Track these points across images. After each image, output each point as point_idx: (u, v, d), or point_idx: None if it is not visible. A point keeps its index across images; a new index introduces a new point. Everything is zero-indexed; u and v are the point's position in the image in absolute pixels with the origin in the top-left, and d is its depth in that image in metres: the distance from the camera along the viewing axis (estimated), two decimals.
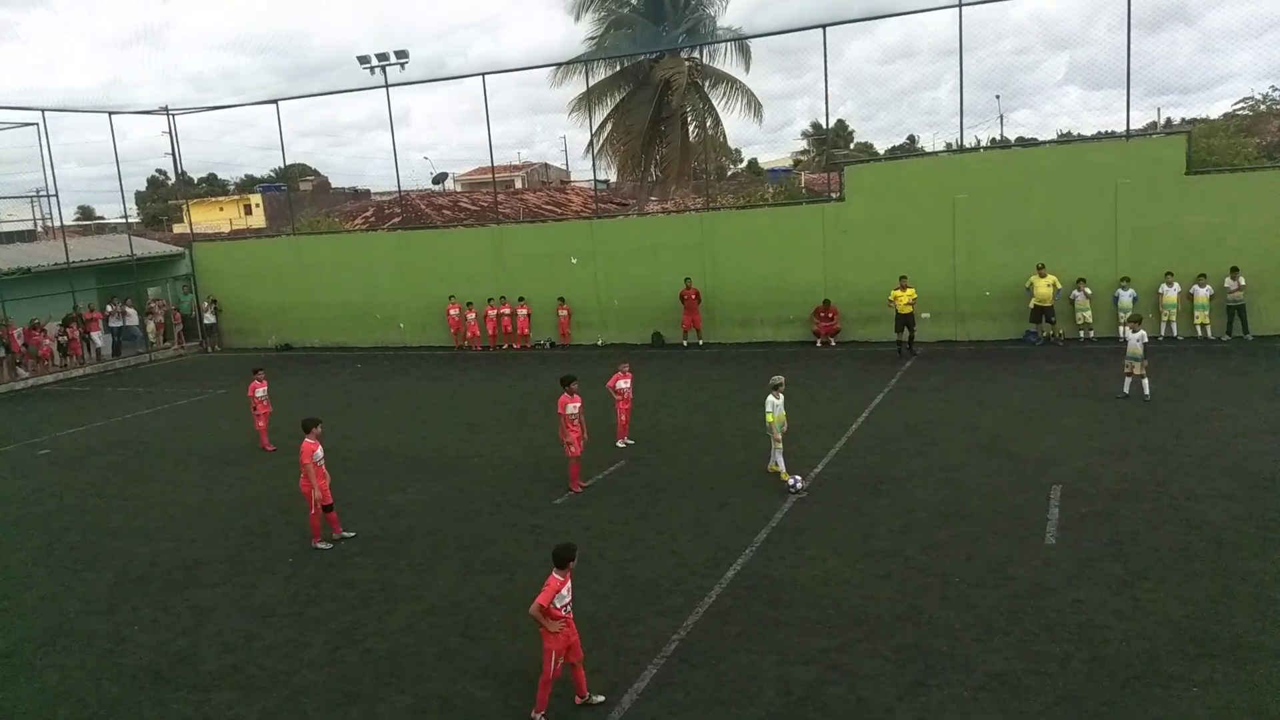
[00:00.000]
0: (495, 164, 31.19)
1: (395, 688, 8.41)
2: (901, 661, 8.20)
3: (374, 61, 30.89)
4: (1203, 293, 21.48)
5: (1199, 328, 21.67)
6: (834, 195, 25.93)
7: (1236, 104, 37.41)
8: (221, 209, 62.86)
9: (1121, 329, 21.96)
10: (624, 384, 15.80)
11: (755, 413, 16.59)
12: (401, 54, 30.80)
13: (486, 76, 28.62)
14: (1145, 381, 16.37)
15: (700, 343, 26.41)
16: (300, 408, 19.63)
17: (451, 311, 29.15)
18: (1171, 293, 21.83)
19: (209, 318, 33.00)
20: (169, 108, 33.23)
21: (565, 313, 28.11)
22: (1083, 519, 11.19)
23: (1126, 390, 16.60)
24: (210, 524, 13.57)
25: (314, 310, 31.78)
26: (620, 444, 15.87)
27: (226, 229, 52.96)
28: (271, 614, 10.22)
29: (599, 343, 28.08)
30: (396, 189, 33.97)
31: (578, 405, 13.51)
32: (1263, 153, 31.19)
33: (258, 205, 60.30)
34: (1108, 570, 9.71)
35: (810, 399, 18.41)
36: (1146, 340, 16.54)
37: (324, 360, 29.31)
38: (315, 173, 66.03)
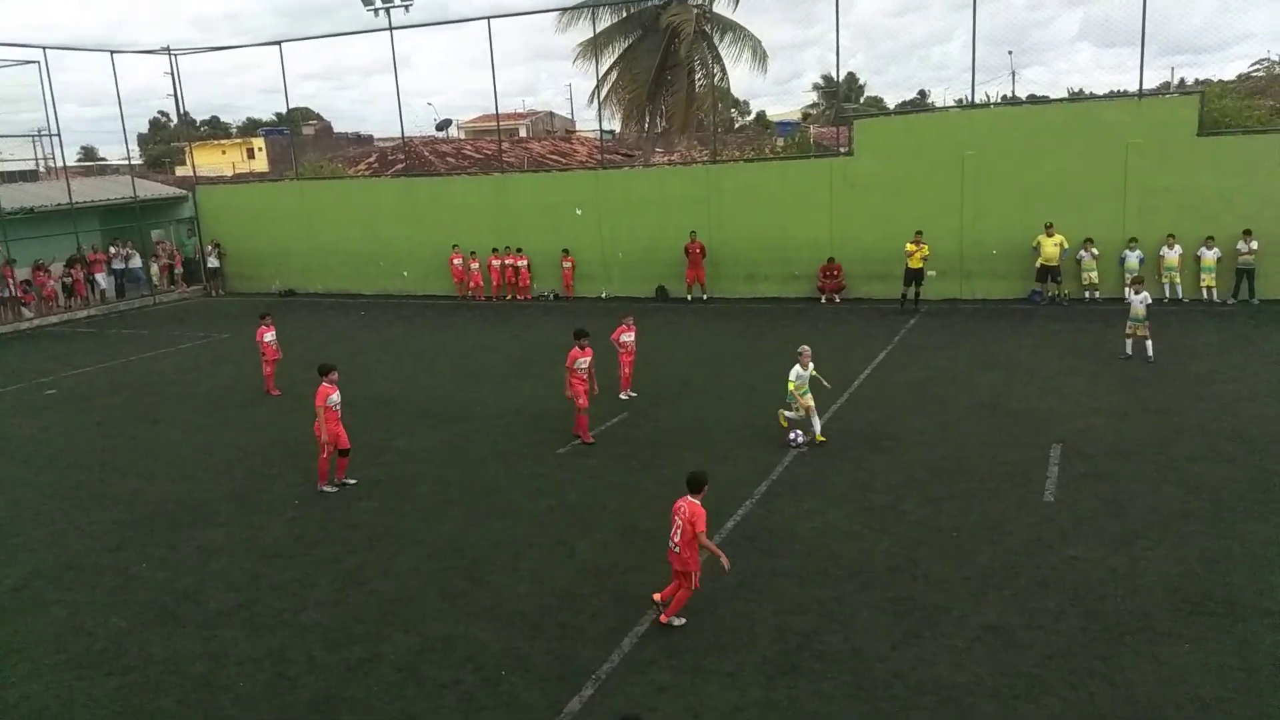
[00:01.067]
0: (500, 112, 30.88)
1: (399, 627, 8.57)
2: (897, 613, 8.34)
3: (378, 3, 30.38)
4: (1210, 255, 21.37)
5: (1205, 290, 21.61)
6: (842, 150, 25.69)
7: (1252, 65, 36.86)
8: (224, 152, 62.31)
9: (1127, 290, 21.94)
10: (627, 337, 15.83)
11: (758, 368, 16.68)
12: None
13: (492, 20, 28.20)
14: (1148, 343, 16.39)
15: (704, 297, 26.36)
16: (304, 353, 19.71)
17: (455, 261, 29.06)
18: (1173, 255, 21.73)
19: (213, 262, 32.92)
20: (171, 48, 32.79)
21: (569, 264, 28.02)
22: (1082, 478, 11.28)
23: (1129, 351, 16.63)
24: (216, 465, 13.70)
25: (317, 256, 31.70)
26: (623, 396, 15.94)
27: (229, 172, 52.57)
28: (278, 554, 10.37)
29: (603, 295, 28.04)
30: (400, 135, 33.67)
31: (588, 359, 13.53)
32: (1276, 114, 30.82)
33: (260, 149, 59.78)
34: (1105, 529, 9.82)
35: (816, 355, 18.38)
36: (1150, 302, 16.52)
37: (327, 306, 29.31)
38: (318, 117, 65.34)
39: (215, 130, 70.18)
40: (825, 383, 13.42)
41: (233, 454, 14.23)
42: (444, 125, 52.49)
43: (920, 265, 22.45)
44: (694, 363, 18.67)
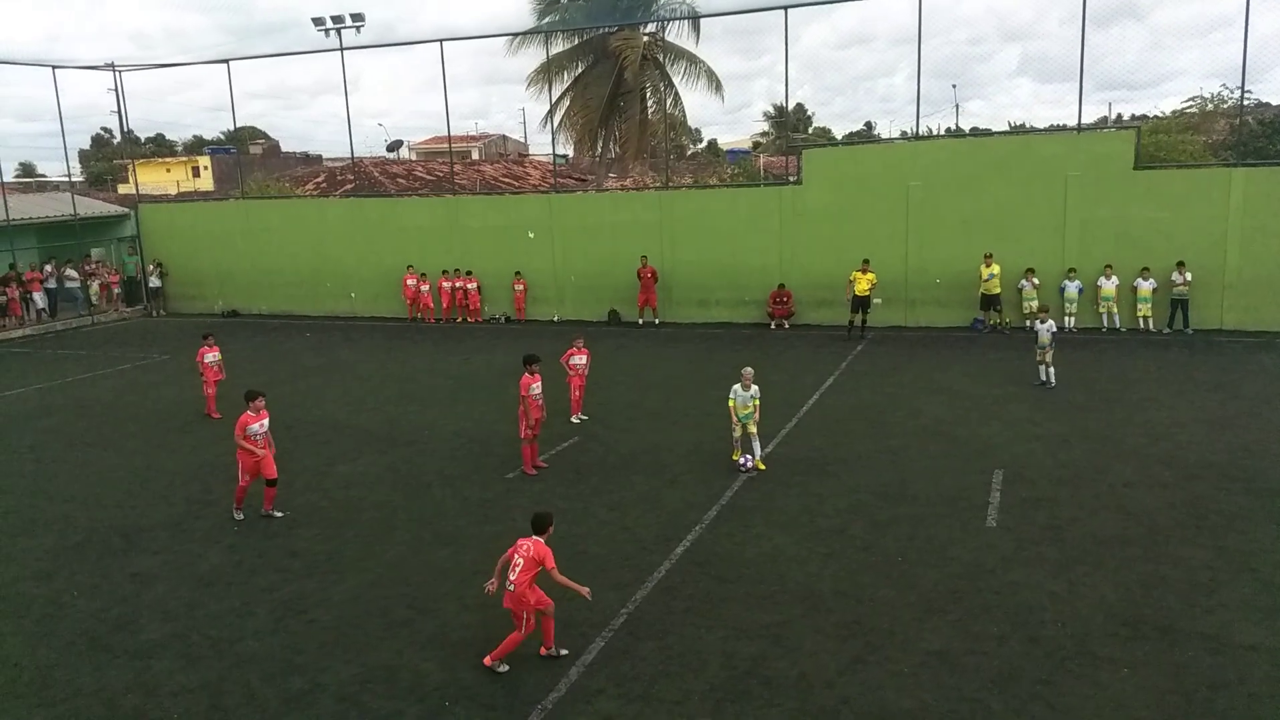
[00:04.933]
0: (452, 134, 30.81)
1: (340, 657, 8.37)
2: (843, 637, 8.37)
3: (329, 23, 30.20)
4: (1146, 286, 22.04)
5: (1141, 320, 22.26)
6: (792, 179, 26.08)
7: (1186, 102, 38.24)
8: (169, 170, 61.21)
9: (1067, 318, 22.52)
10: (579, 360, 15.81)
11: (709, 392, 16.73)
12: (357, 16, 30.15)
13: (444, 43, 28.17)
14: (1051, 370, 16.97)
15: (656, 322, 26.45)
16: (247, 376, 19.32)
17: (409, 281, 28.80)
18: (1109, 285, 22.37)
19: (154, 281, 32.19)
20: (115, 64, 32.19)
21: (521, 287, 27.94)
22: (1023, 503, 11.49)
23: (1043, 377, 17.13)
24: (153, 491, 13.31)
25: (262, 276, 31.19)
26: (574, 420, 15.88)
27: (174, 191, 51.59)
28: (215, 582, 10.09)
29: (555, 319, 27.98)
30: (350, 155, 33.38)
31: (540, 386, 13.28)
32: (1209, 150, 32.01)
33: (206, 168, 58.84)
34: (1045, 554, 9.99)
35: (764, 381, 18.46)
36: (1055, 331, 17.15)
37: (272, 328, 28.79)
38: (266, 136, 64.47)
39: (160, 148, 68.87)
40: (755, 411, 13.13)
41: (170, 479, 13.85)
42: (395, 146, 52.17)
43: (868, 292, 22.82)
44: (645, 387, 18.68)
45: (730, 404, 13.16)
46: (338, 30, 30.11)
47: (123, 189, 47.96)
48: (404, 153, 55.68)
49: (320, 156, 59.81)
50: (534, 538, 8.02)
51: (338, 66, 29.51)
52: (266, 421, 11.83)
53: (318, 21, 30.35)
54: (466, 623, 8.93)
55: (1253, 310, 21.76)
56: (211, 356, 17.30)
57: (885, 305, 24.24)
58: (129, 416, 17.82)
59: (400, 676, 8.02)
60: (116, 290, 32.50)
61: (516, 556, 7.90)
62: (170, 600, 9.68)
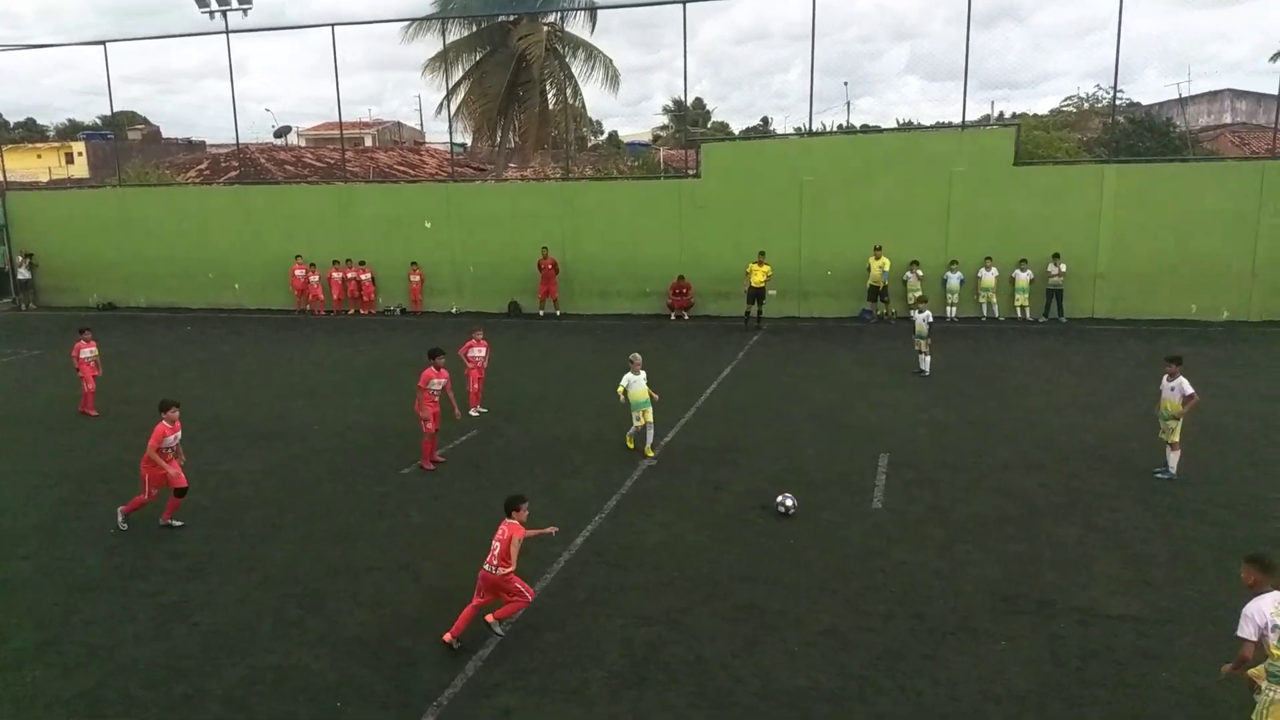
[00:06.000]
0: (344, 120, 29.96)
1: (227, 661, 8.08)
2: (739, 620, 8.55)
3: (213, 5, 28.88)
4: (1024, 277, 23.15)
5: (1019, 309, 23.36)
6: (691, 172, 26.35)
7: (1064, 100, 40.28)
8: (40, 156, 57.53)
9: (949, 309, 23.47)
10: (477, 352, 15.65)
11: (609, 383, 16.68)
12: None
13: (336, 28, 27.37)
14: (928, 359, 17.64)
15: (557, 313, 26.36)
16: (125, 371, 18.45)
17: (297, 272, 27.92)
18: (989, 277, 23.43)
19: (23, 273, 30.32)
20: None
21: (418, 278, 27.43)
22: (908, 486, 11.94)
23: (921, 366, 17.77)
24: (23, 493, 12.55)
25: (141, 267, 29.76)
26: (473, 412, 15.71)
27: (45, 178, 48.58)
28: (92, 588, 9.59)
29: (453, 310, 27.58)
30: (235, 141, 32.08)
31: (443, 381, 13.03)
32: (1084, 148, 33.80)
33: (80, 154, 55.55)
34: (929, 534, 10.41)
35: (664, 371, 18.70)
36: (931, 320, 17.78)
37: (151, 321, 27.52)
38: (145, 121, 61.28)
39: (30, 133, 64.74)
40: (653, 394, 13.50)
41: (42, 480, 13.08)
42: (283, 132, 50.33)
43: (763, 284, 23.27)
44: (545, 379, 18.62)
45: (620, 390, 13.36)
46: (223, 13, 28.84)
47: None
48: (293, 139, 53.80)
49: (204, 143, 57.21)
50: (507, 520, 8.18)
51: (223, 50, 28.29)
52: (180, 434, 11.19)
53: (201, 3, 28.97)
54: (360, 620, 8.74)
55: (1122, 300, 23.11)
56: (88, 352, 16.44)
57: (780, 297, 24.76)
58: None
59: (291, 678, 7.80)
60: None
61: (495, 542, 8.12)
62: (43, 607, 9.16)
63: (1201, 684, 7.27)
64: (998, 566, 9.53)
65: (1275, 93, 24.62)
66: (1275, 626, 5.68)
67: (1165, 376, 11.79)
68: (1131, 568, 9.44)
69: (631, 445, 13.62)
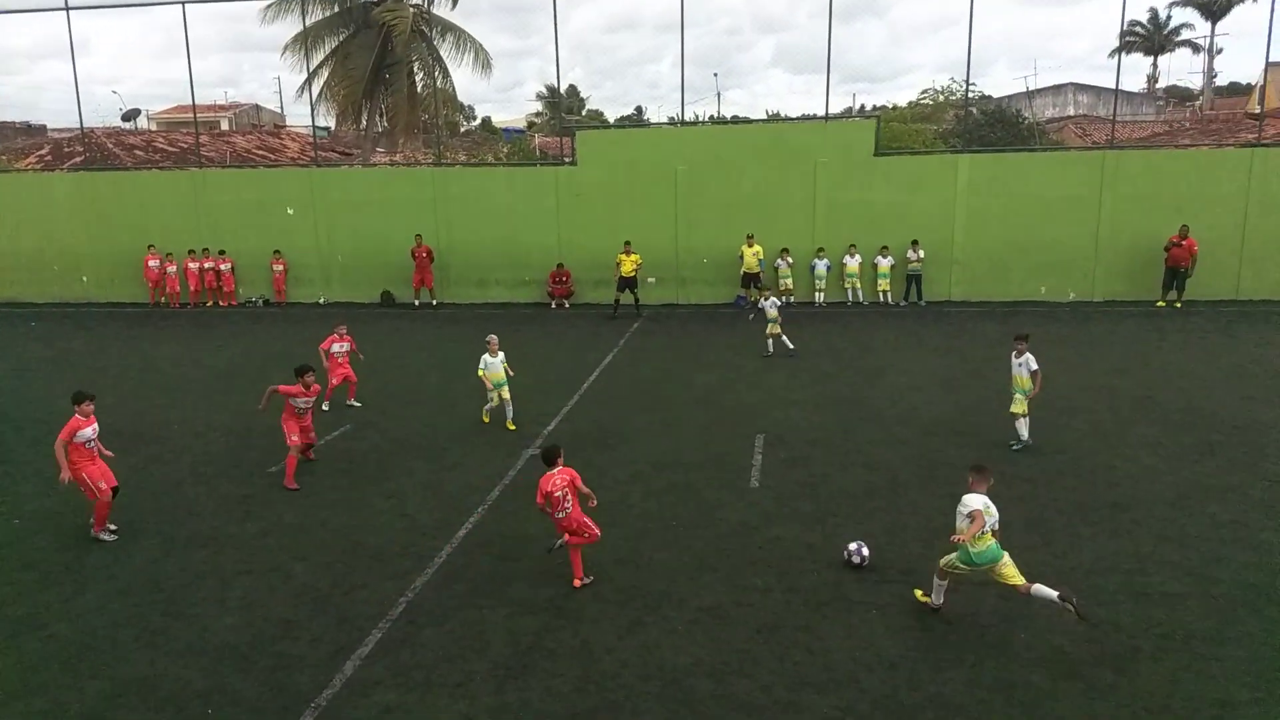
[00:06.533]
0: (197, 103, 28.41)
1: (86, 674, 7.62)
2: (622, 602, 8.65)
3: None
4: (885, 263, 24.13)
5: (881, 294, 24.36)
6: (567, 160, 26.24)
7: (921, 94, 42.08)
8: None
9: (817, 294, 24.27)
10: (339, 347, 15.24)
11: None
12: None
13: (186, 6, 25.89)
14: (785, 339, 18.45)
15: (434, 303, 25.84)
16: None
17: (150, 263, 26.38)
18: (853, 263, 24.33)
19: None
20: None
21: (281, 267, 26.34)
22: (781, 464, 12.32)
23: (770, 349, 18.52)
24: None
25: None
26: (351, 404, 15.37)
27: None
28: None
29: (320, 301, 26.66)
30: (79, 125, 29.96)
31: (310, 400, 12.20)
32: (939, 138, 35.45)
33: None
34: (802, 509, 10.79)
35: (546, 359, 18.68)
36: (780, 305, 18.72)
37: None
38: None
39: None
40: (509, 370, 14.20)
41: None
42: (131, 115, 47.33)
43: (634, 273, 23.50)
44: (422, 370, 18.25)
45: (481, 373, 13.96)
46: None
47: None
48: (142, 122, 50.67)
49: (44, 127, 53.21)
50: (556, 470, 8.84)
51: (63, 28, 26.36)
52: (96, 426, 10.33)
53: None
54: (230, 625, 8.39)
55: (976, 283, 24.40)
56: None
57: (659, 284, 25.03)
58: None
59: (158, 688, 7.43)
60: None
61: (554, 492, 8.74)
62: None
63: (1058, 643, 7.81)
64: (866, 537, 9.86)
65: (1113, 86, 26.49)
66: (993, 516, 7.78)
67: (1014, 353, 12.59)
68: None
69: (487, 420, 14.32)
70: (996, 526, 7.87)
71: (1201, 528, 10.03)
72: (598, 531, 9.09)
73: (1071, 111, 52.34)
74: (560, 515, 8.85)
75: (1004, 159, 25.01)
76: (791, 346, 18.39)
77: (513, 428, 13.95)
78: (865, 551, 9.27)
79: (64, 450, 10.02)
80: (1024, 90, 50.09)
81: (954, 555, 8.02)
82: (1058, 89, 54.41)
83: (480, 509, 11.03)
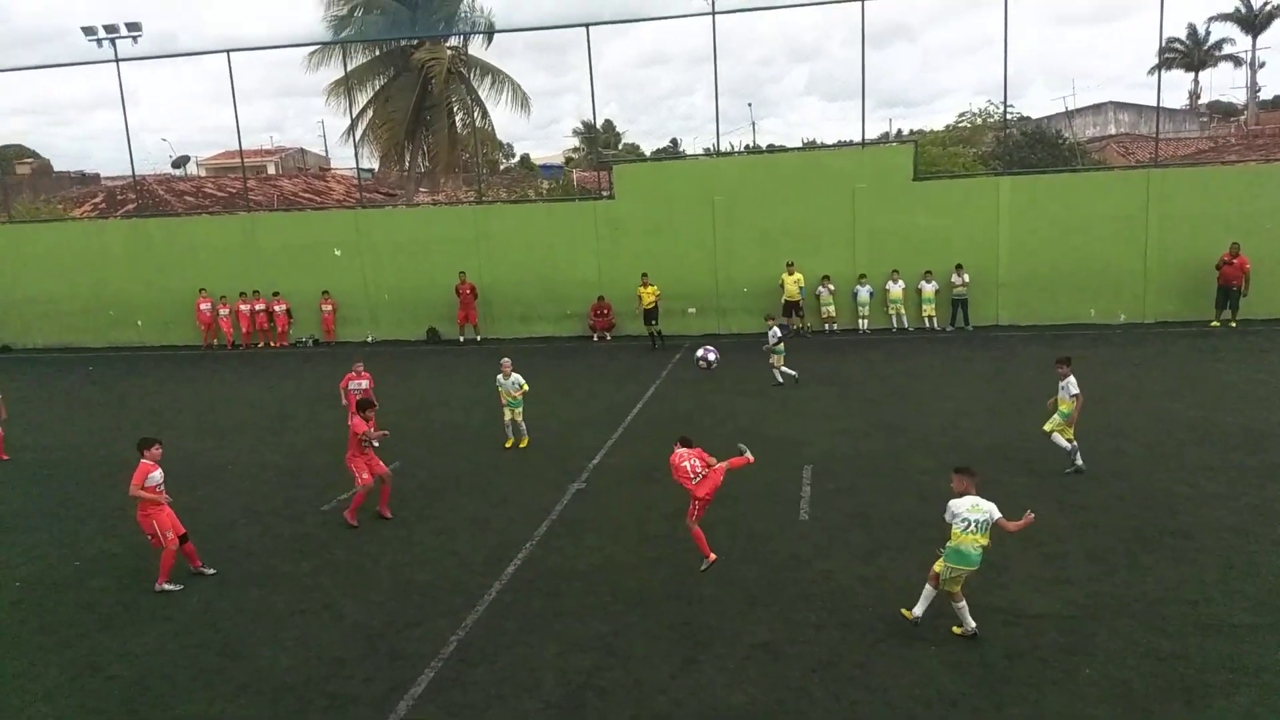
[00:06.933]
0: (244, 148, 29.23)
1: (144, 714, 7.72)
2: (675, 640, 8.57)
3: (101, 33, 27.84)
4: (929, 288, 23.91)
5: (926, 320, 24.11)
6: (605, 193, 26.47)
7: (959, 116, 41.88)
8: None
9: (860, 321, 24.11)
10: (357, 384, 15.46)
11: (533, 408, 16.69)
12: (134, 26, 27.97)
13: (232, 54, 26.71)
14: (776, 371, 18.36)
15: (478, 339, 26.11)
16: (24, 416, 17.56)
17: (202, 306, 27.02)
18: (896, 289, 24.15)
19: None
20: None
21: (330, 308, 26.82)
22: (830, 494, 12.18)
23: (779, 379, 18.42)
24: None
25: (36, 307, 28.42)
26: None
27: None
28: None
29: (369, 340, 27.06)
30: (131, 173, 30.94)
31: (379, 434, 12.29)
32: (979, 161, 35.18)
33: None
34: (854, 541, 10.63)
35: (589, 393, 18.76)
36: (779, 336, 18.49)
37: (49, 362, 26.26)
38: (35, 154, 58.59)
39: None
40: (521, 388, 14.91)
41: None
42: (181, 162, 48.80)
43: (653, 305, 23.63)
44: (469, 406, 18.39)
45: (501, 391, 15.01)
46: (112, 41, 27.80)
47: None
48: (191, 169, 52.19)
49: (98, 175, 55.05)
50: (687, 450, 10.11)
51: (113, 79, 27.31)
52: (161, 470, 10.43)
53: (88, 31, 27.89)
54: (285, 665, 8.46)
55: (1024, 306, 24.06)
56: None
57: (700, 315, 25.05)
58: None
59: None
60: None
61: (688, 467, 9.94)
62: None
63: (1124, 676, 7.59)
64: (921, 570, 9.65)
65: (1155, 104, 26.13)
66: (964, 519, 8.22)
67: (1059, 378, 12.42)
68: (1048, 567, 9.77)
69: (509, 445, 15.06)
70: (992, 520, 8.26)
71: (1270, 556, 9.71)
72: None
73: (1113, 130, 51.72)
74: (697, 482, 9.86)
75: (1046, 180, 24.74)
76: (791, 374, 18.45)
77: (524, 444, 15.02)
78: (711, 356, 11.41)
79: (140, 491, 10.03)
80: (1063, 110, 49.63)
81: (944, 557, 8.35)
82: (1098, 108, 53.83)
83: (528, 545, 11.04)
